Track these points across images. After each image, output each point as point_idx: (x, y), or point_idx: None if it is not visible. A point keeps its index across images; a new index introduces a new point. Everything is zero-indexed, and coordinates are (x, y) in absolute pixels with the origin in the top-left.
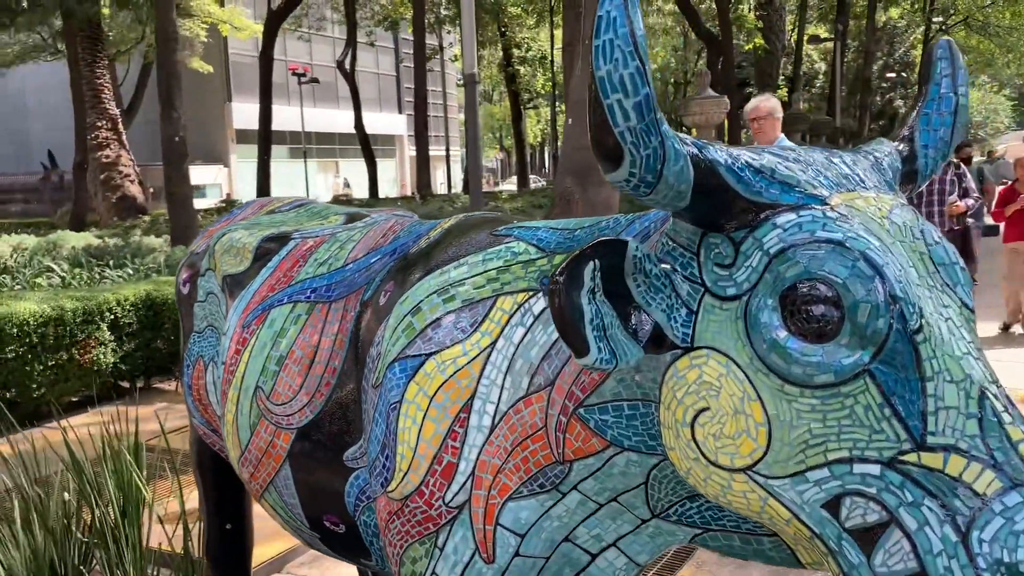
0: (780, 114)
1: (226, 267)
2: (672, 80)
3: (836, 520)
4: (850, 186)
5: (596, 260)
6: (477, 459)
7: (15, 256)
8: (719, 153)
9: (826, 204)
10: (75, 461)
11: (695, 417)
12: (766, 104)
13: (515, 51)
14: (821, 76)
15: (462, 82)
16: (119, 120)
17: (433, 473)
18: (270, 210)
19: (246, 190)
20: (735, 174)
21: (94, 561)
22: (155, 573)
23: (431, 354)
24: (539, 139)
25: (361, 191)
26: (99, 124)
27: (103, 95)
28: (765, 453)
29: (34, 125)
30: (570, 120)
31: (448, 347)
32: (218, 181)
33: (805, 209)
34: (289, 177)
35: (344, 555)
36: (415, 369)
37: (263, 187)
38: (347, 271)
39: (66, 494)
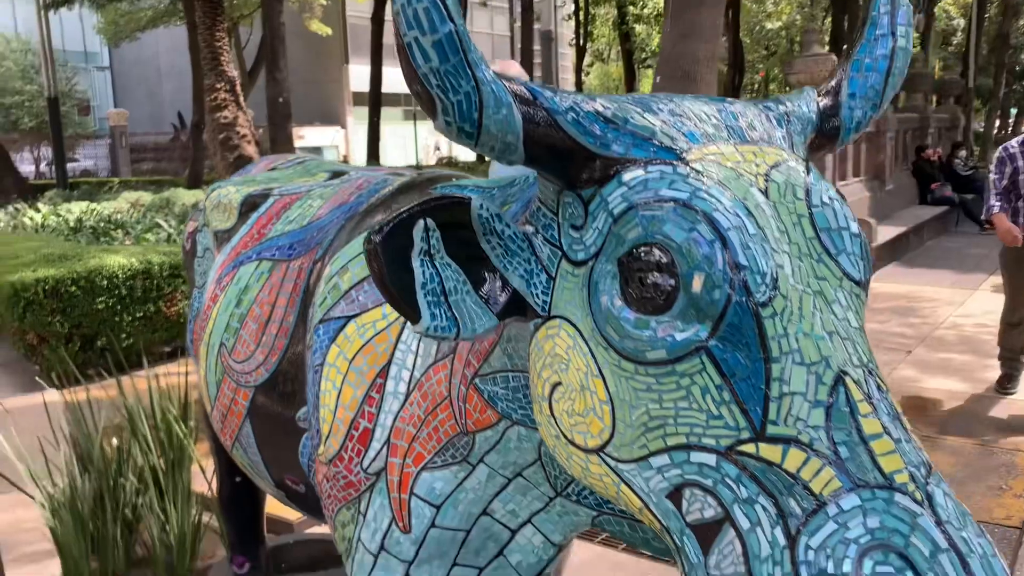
0: None
1: (216, 223)
2: (797, 38)
3: (679, 513)
4: (721, 139)
5: (427, 219)
6: (392, 426)
7: (131, 212)
8: (560, 100)
9: (681, 159)
10: (128, 409)
11: (551, 392)
12: None
13: (630, 8)
14: (959, 33)
15: (573, 42)
16: (237, 82)
17: (351, 438)
18: (272, 167)
19: (362, 152)
20: (579, 125)
21: (140, 501)
22: (199, 514)
23: (352, 317)
24: None
25: (468, 154)
26: (217, 86)
27: (222, 58)
28: (612, 434)
29: (166, 86)
30: (658, 79)
31: (369, 310)
32: (335, 143)
33: (656, 164)
34: (400, 139)
35: (310, 514)
36: (337, 331)
37: (373, 149)
38: (309, 229)
39: (115, 439)
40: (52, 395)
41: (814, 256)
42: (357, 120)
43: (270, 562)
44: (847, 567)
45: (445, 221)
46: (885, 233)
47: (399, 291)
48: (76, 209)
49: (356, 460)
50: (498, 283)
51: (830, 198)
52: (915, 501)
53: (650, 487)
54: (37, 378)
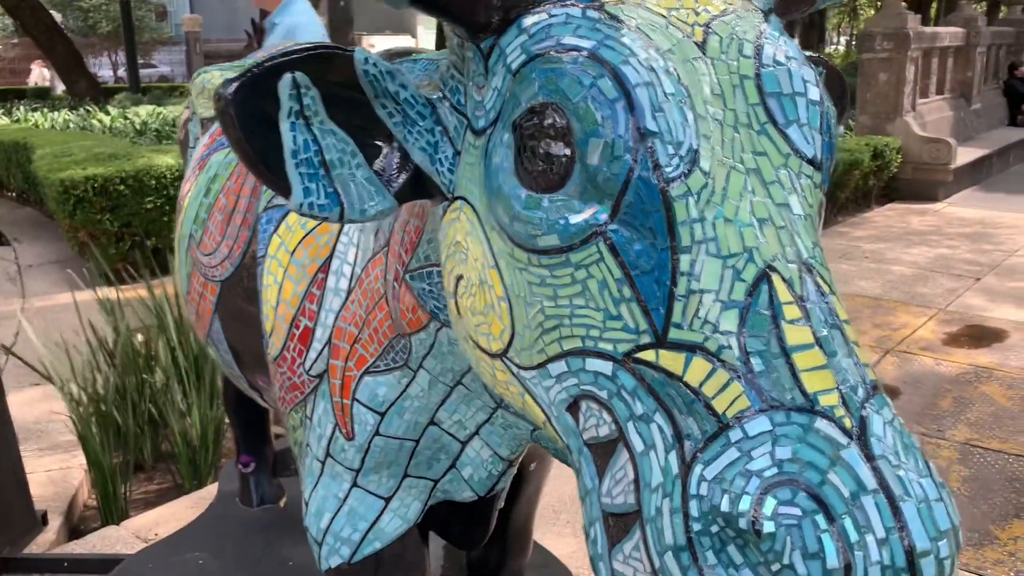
0: None
1: (202, 110)
2: None
3: (577, 429)
4: None
5: (296, 73)
6: (334, 325)
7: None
8: None
9: (596, 0)
10: (157, 308)
11: (456, 286)
12: None
13: None
14: None
15: None
16: None
17: (292, 337)
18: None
19: None
20: None
21: (168, 392)
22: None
23: None
24: None
25: None
26: None
27: None
28: (512, 336)
29: None
30: None
31: None
32: None
33: (561, 6)
34: None
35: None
36: (279, 221)
37: None
38: None
39: (139, 335)
40: (88, 294)
41: (755, 126)
42: (427, 29)
43: (277, 462)
44: (744, 505)
45: (327, 79)
46: (965, 155)
47: (264, 158)
48: (143, 112)
49: (298, 361)
50: (397, 157)
51: (787, 57)
52: (841, 429)
53: (550, 398)
54: (69, 272)
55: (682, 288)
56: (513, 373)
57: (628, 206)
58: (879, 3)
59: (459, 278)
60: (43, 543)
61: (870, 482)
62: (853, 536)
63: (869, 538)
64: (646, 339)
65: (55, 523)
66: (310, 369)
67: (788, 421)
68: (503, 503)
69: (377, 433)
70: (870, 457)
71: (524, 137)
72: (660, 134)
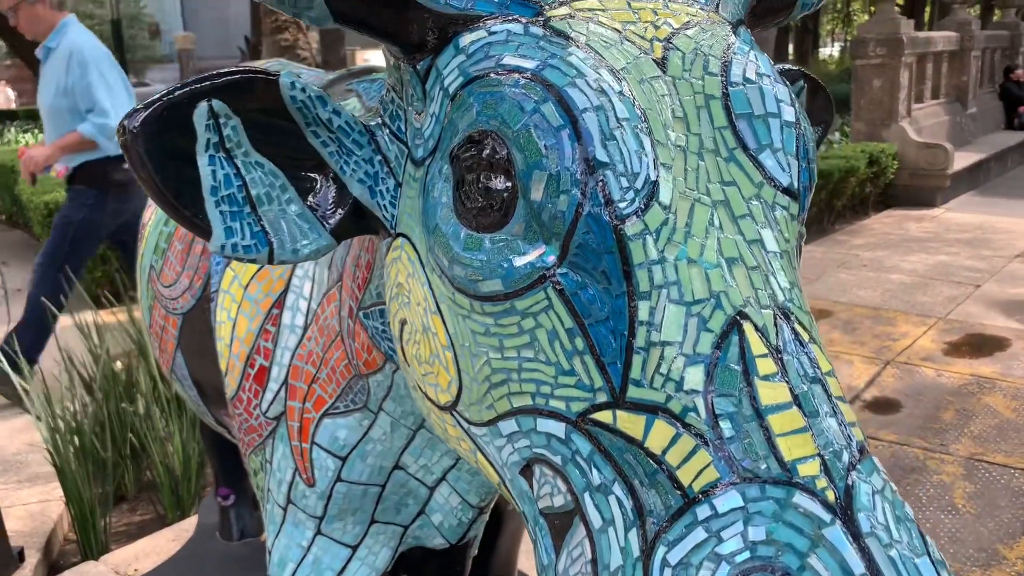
0: None
1: None
2: None
3: (532, 496)
4: None
5: (214, 102)
6: (290, 364)
7: None
8: None
9: (541, 14)
10: (138, 333)
11: (401, 331)
12: None
13: None
14: None
15: None
16: None
17: (248, 377)
18: None
19: None
20: None
21: (149, 420)
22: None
23: None
24: None
25: None
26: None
27: None
28: (460, 389)
29: (234, 9)
30: None
31: None
32: None
33: (503, 21)
34: None
35: None
36: None
37: None
38: None
39: (118, 363)
40: (85, 317)
41: (722, 153)
42: None
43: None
44: None
45: (250, 106)
46: (963, 160)
47: (180, 195)
48: None
49: (255, 402)
50: (333, 190)
51: (758, 74)
52: (823, 503)
53: (502, 459)
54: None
55: (641, 339)
56: (464, 428)
57: (578, 247)
58: (872, 8)
59: (403, 323)
60: None
61: (857, 566)
62: None
63: None
64: (602, 397)
65: (32, 560)
66: (267, 411)
67: (763, 496)
68: (477, 551)
69: (339, 479)
70: (857, 536)
71: (462, 169)
72: (612, 165)
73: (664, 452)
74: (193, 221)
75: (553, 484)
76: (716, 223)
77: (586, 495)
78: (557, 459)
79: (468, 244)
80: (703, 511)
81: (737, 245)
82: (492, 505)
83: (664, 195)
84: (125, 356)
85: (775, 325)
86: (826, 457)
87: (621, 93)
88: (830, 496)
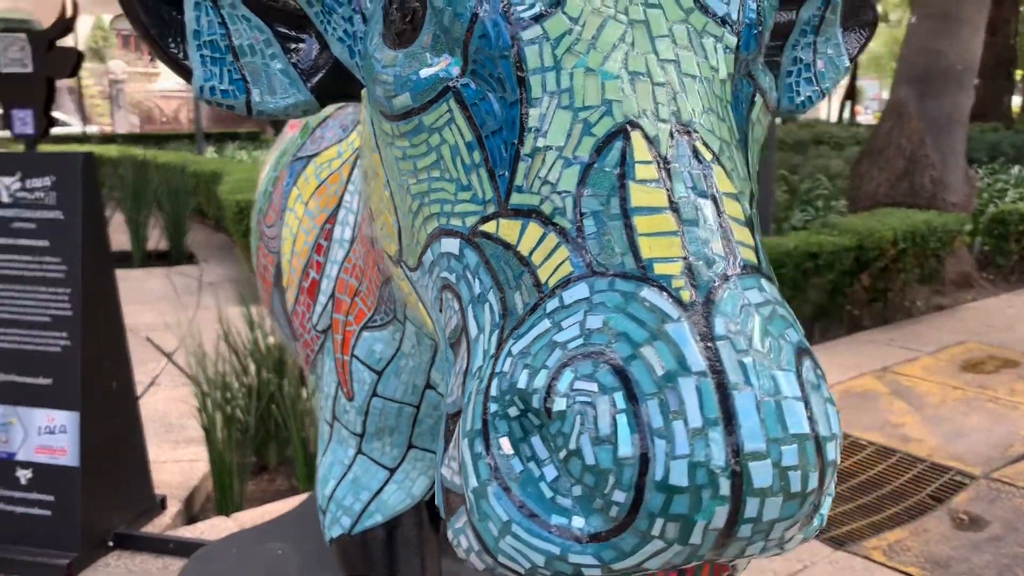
0: None
1: None
2: None
3: (444, 328)
4: None
5: None
6: (337, 277)
7: None
8: None
9: None
10: None
11: (371, 189)
12: None
13: None
14: None
15: None
16: None
17: (302, 291)
18: None
19: None
20: None
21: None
22: None
23: (313, 156)
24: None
25: None
26: None
27: None
28: (399, 230)
29: None
30: (914, 18)
31: (327, 148)
32: None
33: None
34: None
35: None
36: (299, 173)
37: None
38: None
39: (271, 338)
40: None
41: None
42: None
43: None
44: (539, 381)
45: None
46: None
47: (164, 36)
48: None
49: (307, 315)
50: (316, 48)
51: None
52: (674, 300)
53: (429, 298)
54: (241, 289)
55: (527, 146)
56: (410, 281)
57: (475, 53)
58: None
59: (365, 175)
60: (159, 525)
61: (697, 363)
62: (657, 421)
63: (678, 425)
64: (491, 208)
65: (173, 508)
66: (316, 324)
67: (610, 288)
68: None
69: (375, 394)
70: (707, 336)
71: None
72: None
73: (531, 252)
74: (177, 62)
75: (452, 307)
76: (628, 40)
77: (468, 307)
78: (452, 277)
79: (385, 61)
80: (552, 304)
81: (647, 61)
82: None
83: (572, 7)
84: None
85: (671, 137)
86: (692, 262)
87: None
88: (684, 296)
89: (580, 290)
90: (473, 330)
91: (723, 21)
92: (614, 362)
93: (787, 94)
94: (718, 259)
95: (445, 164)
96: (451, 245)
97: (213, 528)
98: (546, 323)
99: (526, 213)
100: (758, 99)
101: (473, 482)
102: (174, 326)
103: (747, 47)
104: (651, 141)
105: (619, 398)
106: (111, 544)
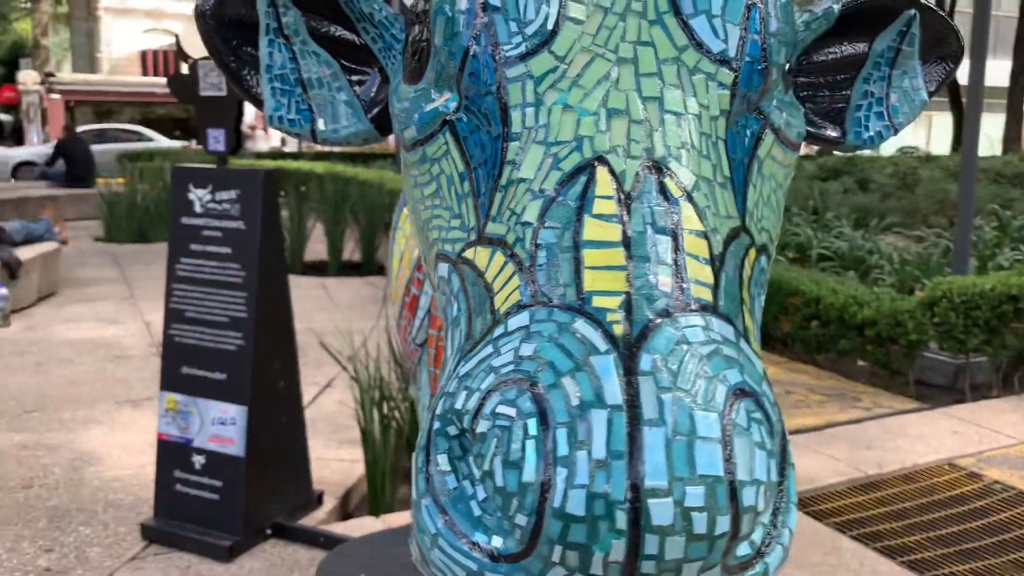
0: None
1: None
2: None
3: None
4: None
5: None
6: (433, 294)
7: None
8: None
9: None
10: None
11: None
12: None
13: None
14: None
15: None
16: None
17: (405, 305)
18: None
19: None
20: None
21: None
22: None
23: None
24: None
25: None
26: None
27: None
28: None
29: None
30: None
31: None
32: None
33: None
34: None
35: None
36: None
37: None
38: None
39: None
40: None
41: (649, 15)
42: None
43: None
44: (472, 403)
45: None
46: None
47: (241, 70)
48: None
49: (409, 329)
50: (378, 81)
51: None
52: (605, 334)
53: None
54: None
55: (504, 178)
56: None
57: (466, 90)
58: None
59: None
60: (314, 519)
61: (613, 396)
62: (562, 450)
63: (581, 455)
64: (472, 236)
65: (329, 505)
66: (415, 338)
67: (547, 318)
68: None
69: None
70: (632, 371)
71: (408, 28)
72: (503, 10)
73: (493, 280)
74: (251, 92)
75: (437, 332)
76: (613, 78)
77: (448, 329)
78: (444, 301)
79: (401, 96)
80: (499, 330)
81: (628, 99)
82: None
83: (560, 46)
84: None
85: (638, 174)
86: (634, 297)
87: None
88: (617, 330)
89: (522, 318)
90: (448, 350)
91: (719, 58)
92: (536, 390)
93: (854, 128)
94: (661, 296)
95: (443, 192)
96: (443, 270)
97: (362, 527)
98: (489, 348)
99: (497, 242)
100: (767, 135)
101: (413, 494)
102: (356, 332)
103: (748, 84)
104: (616, 177)
105: (532, 424)
106: (269, 532)
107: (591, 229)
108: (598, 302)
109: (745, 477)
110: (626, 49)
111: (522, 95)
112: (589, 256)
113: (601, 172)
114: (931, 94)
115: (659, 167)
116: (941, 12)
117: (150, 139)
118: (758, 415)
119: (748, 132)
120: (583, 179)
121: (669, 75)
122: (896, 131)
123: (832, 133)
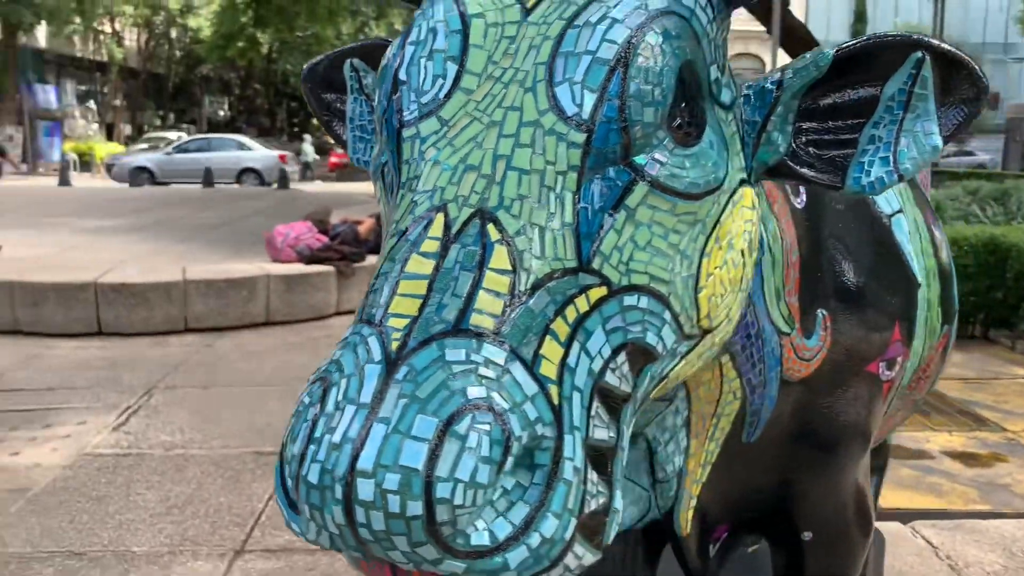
0: None
1: None
2: None
3: None
4: None
5: (354, 60)
6: None
7: None
8: None
9: None
10: None
11: None
12: None
13: None
14: None
15: None
16: None
17: None
18: None
19: None
20: None
21: None
22: None
23: None
24: None
25: None
26: None
27: None
28: None
29: None
30: None
31: None
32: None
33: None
34: None
35: None
36: None
37: None
38: None
39: None
40: None
41: (527, 84)
42: None
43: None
44: (304, 399)
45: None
46: None
47: (332, 120)
48: None
49: None
50: None
51: (603, 17)
52: (383, 348)
53: None
54: None
55: (392, 220)
56: None
57: (384, 145)
58: None
59: None
60: None
61: (365, 396)
62: (317, 432)
63: (326, 439)
64: None
65: None
66: None
67: (354, 331)
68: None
69: None
70: (389, 379)
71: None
72: (408, 84)
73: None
74: (339, 138)
75: None
76: (479, 139)
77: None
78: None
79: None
80: (338, 347)
81: (484, 157)
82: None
83: (448, 111)
84: None
85: (466, 221)
86: (420, 320)
87: (452, 31)
88: (394, 346)
89: (351, 329)
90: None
91: (572, 120)
92: (326, 384)
93: (854, 174)
94: (439, 322)
95: (386, 228)
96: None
97: None
98: (326, 362)
99: (377, 275)
100: (639, 186)
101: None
102: None
103: (604, 142)
104: (447, 223)
105: (310, 412)
106: None
107: (412, 264)
108: (391, 323)
109: (443, 474)
110: (498, 113)
111: (410, 152)
112: (402, 285)
113: (438, 218)
114: (947, 139)
115: (488, 215)
116: (961, 52)
117: None
118: (485, 427)
119: (611, 183)
120: (424, 223)
121: (525, 136)
122: (901, 178)
123: (826, 178)
